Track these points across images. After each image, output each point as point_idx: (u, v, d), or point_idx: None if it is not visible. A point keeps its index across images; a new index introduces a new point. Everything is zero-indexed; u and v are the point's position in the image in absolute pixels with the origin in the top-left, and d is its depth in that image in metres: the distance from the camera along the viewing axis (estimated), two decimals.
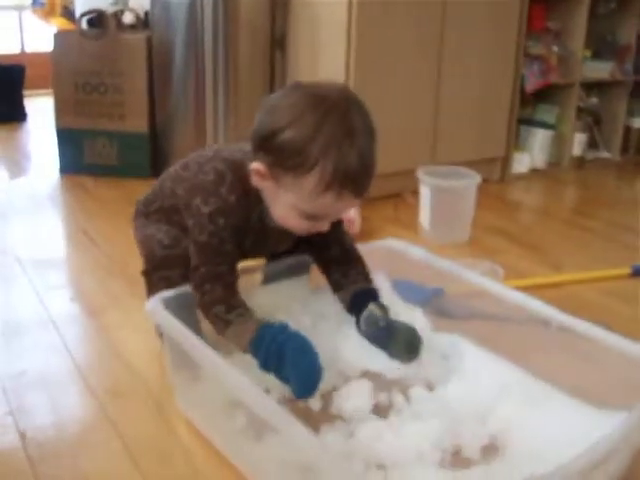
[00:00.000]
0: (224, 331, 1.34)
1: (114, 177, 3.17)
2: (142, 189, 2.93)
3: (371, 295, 1.53)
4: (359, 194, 1.29)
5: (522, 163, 3.41)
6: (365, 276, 1.56)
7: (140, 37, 3.09)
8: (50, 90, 3.41)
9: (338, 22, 2.67)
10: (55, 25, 5.19)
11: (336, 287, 1.55)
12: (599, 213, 2.98)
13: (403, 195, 2.85)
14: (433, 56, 2.88)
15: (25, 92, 4.63)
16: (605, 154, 3.85)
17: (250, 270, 1.59)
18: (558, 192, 3.37)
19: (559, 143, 3.59)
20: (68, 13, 5.00)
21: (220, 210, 1.36)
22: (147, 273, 1.61)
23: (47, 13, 5.06)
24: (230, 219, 1.37)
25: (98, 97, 3.14)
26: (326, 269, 1.58)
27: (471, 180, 2.48)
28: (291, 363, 1.26)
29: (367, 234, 2.50)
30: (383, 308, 1.50)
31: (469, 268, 2.22)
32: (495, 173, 3.29)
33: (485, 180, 3.08)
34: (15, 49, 5.46)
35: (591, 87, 3.74)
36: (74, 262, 2.39)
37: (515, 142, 3.37)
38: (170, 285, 1.49)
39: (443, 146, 2.99)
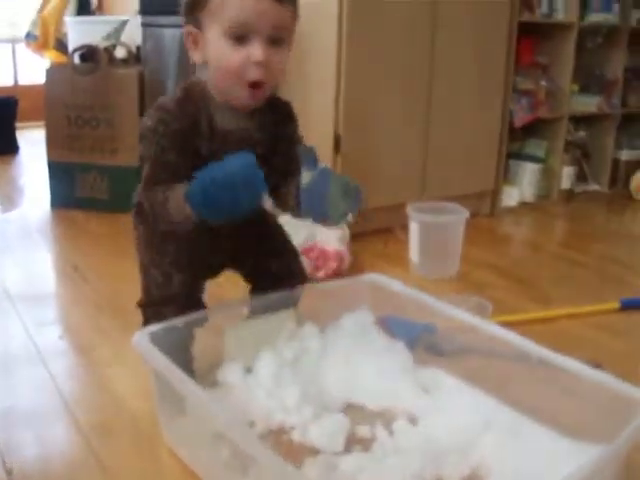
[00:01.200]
0: (167, 211, 1.33)
1: (105, 211, 3.18)
2: (132, 223, 2.97)
3: None
4: None
5: (511, 197, 3.43)
6: None
7: (132, 72, 3.12)
8: (42, 122, 3.43)
9: (326, 58, 2.69)
10: (48, 58, 5.22)
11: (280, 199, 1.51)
12: (588, 246, 2.99)
13: (393, 230, 2.86)
14: (422, 90, 2.90)
15: (18, 124, 4.66)
16: (594, 186, 3.88)
17: (236, 305, 1.61)
18: (547, 225, 3.39)
19: (548, 176, 3.62)
20: (61, 46, 5.02)
21: (161, 119, 1.36)
22: (142, 306, 1.61)
23: (40, 46, 5.07)
24: (172, 125, 1.36)
25: (90, 131, 3.16)
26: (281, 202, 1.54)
27: (459, 216, 2.49)
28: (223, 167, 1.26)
29: (357, 270, 2.50)
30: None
31: (457, 303, 2.24)
32: (485, 207, 3.31)
33: (475, 214, 3.10)
34: (8, 81, 5.49)
35: (579, 120, 3.78)
36: (64, 297, 2.39)
37: (504, 176, 3.39)
38: (162, 318, 1.50)
39: (433, 180, 3.01)
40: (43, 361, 1.87)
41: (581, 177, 3.82)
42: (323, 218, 1.36)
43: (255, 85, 1.35)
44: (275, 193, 1.47)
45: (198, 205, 1.26)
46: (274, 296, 1.62)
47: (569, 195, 3.67)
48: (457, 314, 1.66)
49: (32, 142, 4.61)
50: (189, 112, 1.39)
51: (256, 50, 1.30)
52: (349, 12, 2.62)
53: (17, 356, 1.91)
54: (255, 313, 1.63)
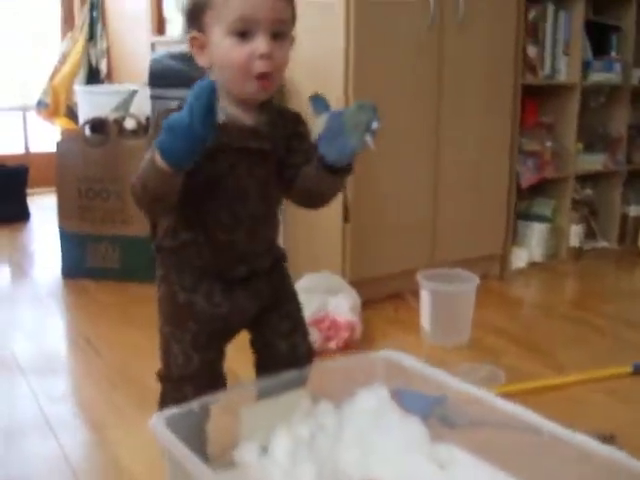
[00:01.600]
0: (145, 178, 1.30)
1: (116, 280, 3.20)
2: (143, 292, 3.00)
3: None
4: None
5: (521, 258, 3.44)
6: None
7: (142, 143, 3.13)
8: (53, 188, 3.47)
9: None
10: (59, 125, 5.29)
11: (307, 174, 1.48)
12: (599, 307, 2.99)
13: (404, 296, 2.87)
14: (430, 155, 2.93)
15: (29, 190, 4.70)
16: (603, 243, 3.90)
17: (250, 385, 1.60)
18: (557, 286, 3.39)
19: (556, 235, 3.63)
20: (72, 113, 5.10)
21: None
22: (161, 379, 1.60)
23: (51, 113, 5.15)
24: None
25: (101, 202, 3.19)
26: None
27: (470, 284, 2.50)
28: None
29: (369, 338, 2.52)
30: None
31: (470, 372, 2.24)
32: (494, 269, 3.32)
33: (484, 276, 3.11)
34: (19, 149, 5.56)
35: (585, 179, 3.81)
36: (76, 371, 2.40)
37: (513, 237, 3.40)
38: (181, 398, 1.48)
39: (442, 245, 3.02)
40: (55, 436, 1.89)
41: (589, 234, 3.83)
42: (344, 149, 1.35)
43: (263, 76, 1.37)
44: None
45: (161, 142, 1.22)
46: (286, 376, 1.61)
47: (578, 253, 3.67)
48: (469, 388, 1.66)
49: (43, 208, 4.66)
50: None
51: (261, 44, 1.33)
52: (355, 75, 2.67)
53: (29, 430, 1.92)
54: (266, 393, 1.62)
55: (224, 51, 1.35)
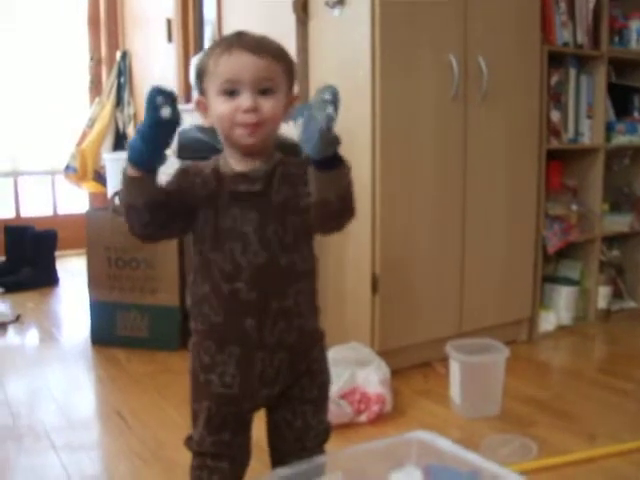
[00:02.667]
0: (125, 191, 1.41)
1: (145, 349, 3.22)
2: (172, 361, 3.02)
3: None
4: (249, 48, 1.42)
5: (549, 321, 3.43)
6: None
7: None
8: (82, 250, 3.51)
9: (361, 190, 2.74)
10: (87, 189, 5.38)
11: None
12: (629, 372, 2.96)
13: (433, 365, 2.87)
14: (456, 223, 2.95)
15: (57, 253, 4.76)
16: (631, 304, 3.88)
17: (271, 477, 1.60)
18: (586, 349, 3.37)
19: (584, 298, 3.62)
20: (99, 177, 5.18)
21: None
22: (188, 448, 1.61)
23: (79, 178, 5.24)
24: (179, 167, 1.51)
25: (130, 272, 3.24)
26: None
27: (500, 354, 2.50)
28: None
29: (399, 410, 2.51)
30: None
31: (501, 444, 2.23)
32: (522, 334, 3.31)
33: (512, 341, 3.11)
34: (48, 211, 5.64)
35: (612, 240, 3.81)
36: (108, 447, 2.39)
37: (540, 301, 3.39)
38: (203, 469, 1.54)
39: (470, 312, 3.02)
40: None
41: (617, 295, 3.81)
42: (316, 133, 1.31)
43: (247, 125, 1.43)
44: None
45: (132, 153, 1.37)
46: (299, 467, 1.59)
47: (606, 315, 3.66)
48: (502, 471, 1.65)
49: (72, 272, 4.72)
50: (199, 167, 1.50)
51: (245, 100, 1.41)
52: (382, 147, 2.71)
53: None
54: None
55: (216, 108, 1.44)
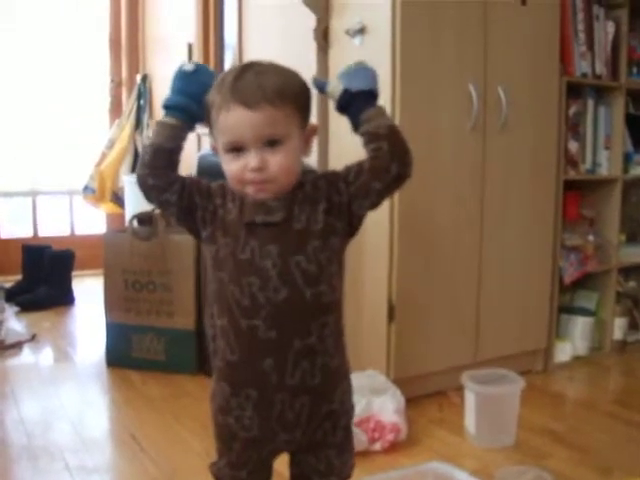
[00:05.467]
0: (154, 133, 1.49)
1: (161, 372, 3.23)
2: (188, 386, 3.03)
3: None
4: (245, 103, 1.33)
5: (564, 352, 3.41)
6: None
7: (188, 238, 3.17)
8: (98, 271, 3.53)
9: (380, 226, 2.75)
10: (105, 210, 5.42)
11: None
12: None
13: (448, 393, 2.86)
14: (473, 252, 2.96)
15: (73, 273, 4.79)
16: None
17: None
18: (602, 381, 3.35)
19: (600, 328, 3.61)
20: (117, 199, 5.22)
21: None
22: (212, 472, 1.57)
23: (98, 199, 5.28)
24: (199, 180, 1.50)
25: (147, 295, 3.25)
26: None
27: (515, 384, 2.49)
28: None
29: (414, 439, 2.51)
30: None
31: (516, 476, 2.22)
32: (538, 364, 3.30)
33: (528, 371, 3.10)
34: (65, 231, 5.68)
35: (629, 271, 3.79)
36: (122, 470, 2.39)
37: (556, 331, 3.38)
38: None
39: (486, 342, 3.02)
40: None
41: (633, 326, 3.79)
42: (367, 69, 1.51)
43: (257, 183, 1.37)
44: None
45: (169, 103, 1.47)
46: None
47: (622, 346, 3.64)
48: None
49: (88, 292, 4.74)
50: (225, 188, 1.46)
51: (252, 159, 1.35)
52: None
53: None
54: None
55: (224, 164, 1.41)
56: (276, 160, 1.35)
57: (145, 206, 3.55)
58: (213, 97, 1.38)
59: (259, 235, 1.39)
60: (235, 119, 1.33)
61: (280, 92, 1.35)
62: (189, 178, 1.47)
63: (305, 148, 1.44)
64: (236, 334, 1.39)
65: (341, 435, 1.50)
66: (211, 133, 1.44)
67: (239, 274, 1.38)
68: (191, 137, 4.14)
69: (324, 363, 1.41)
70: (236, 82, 1.34)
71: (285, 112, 1.36)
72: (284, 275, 1.37)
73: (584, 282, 3.60)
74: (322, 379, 1.41)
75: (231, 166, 1.37)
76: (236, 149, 1.35)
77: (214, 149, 1.46)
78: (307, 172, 1.48)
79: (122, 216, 5.06)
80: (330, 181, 1.44)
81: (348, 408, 1.53)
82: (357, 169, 1.42)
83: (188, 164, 3.96)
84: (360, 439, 2.34)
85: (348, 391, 1.53)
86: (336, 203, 1.42)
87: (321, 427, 1.45)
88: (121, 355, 3.33)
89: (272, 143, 1.35)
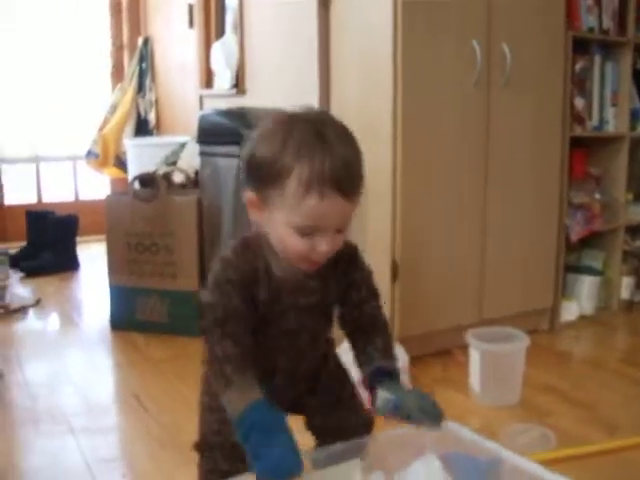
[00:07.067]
0: (223, 390, 1.29)
1: (164, 334, 3.22)
2: (191, 347, 3.03)
3: (383, 375, 1.47)
4: (343, 193, 1.25)
5: (570, 311, 3.39)
6: (382, 352, 1.49)
7: (190, 199, 3.20)
8: (102, 236, 3.51)
9: (382, 178, 2.74)
10: (108, 174, 5.39)
11: (357, 363, 1.51)
12: None
13: (452, 352, 2.84)
14: (478, 209, 2.92)
15: (78, 239, 4.77)
16: None
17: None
18: (608, 340, 3.33)
19: (607, 288, 3.58)
20: (120, 163, 5.19)
21: (223, 271, 1.35)
22: (198, 449, 1.61)
23: (101, 163, 5.25)
24: (234, 276, 1.35)
25: (150, 257, 3.23)
26: (352, 340, 1.54)
27: (520, 342, 2.47)
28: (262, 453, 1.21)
29: None
30: (392, 387, 1.44)
31: (520, 433, 2.21)
32: (544, 323, 3.28)
33: (534, 330, 3.08)
34: (69, 197, 5.66)
35: (636, 230, 3.75)
36: (125, 431, 2.40)
37: (562, 290, 3.36)
38: (215, 465, 1.52)
39: (491, 300, 2.99)
40: None
41: None
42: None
43: (315, 263, 1.36)
44: (356, 350, 1.50)
45: (239, 433, 1.24)
46: (339, 447, 1.60)
47: (629, 305, 3.62)
48: (523, 462, 1.62)
49: (92, 257, 4.73)
50: (248, 260, 1.39)
51: (322, 245, 1.30)
52: (403, 133, 2.68)
53: None
54: (319, 465, 1.61)
55: (283, 235, 1.32)
56: (340, 240, 1.33)
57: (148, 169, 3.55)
58: (288, 163, 1.24)
59: (299, 312, 1.44)
60: (329, 208, 1.25)
61: (363, 180, 1.31)
62: (239, 312, 1.36)
63: None
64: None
65: (347, 392, 1.63)
66: (258, 190, 1.31)
67: (272, 332, 1.43)
68: (192, 97, 4.14)
69: (318, 355, 1.56)
70: (328, 164, 1.23)
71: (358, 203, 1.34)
72: (313, 339, 1.49)
73: (591, 241, 3.56)
74: (316, 365, 1.56)
75: (297, 244, 1.31)
76: (306, 233, 1.29)
77: (252, 203, 1.34)
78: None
79: (126, 180, 5.03)
80: (350, 263, 1.49)
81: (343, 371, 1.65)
82: (361, 295, 1.50)
83: (189, 123, 3.96)
84: (362, 397, 2.32)
85: (336, 358, 1.65)
86: (343, 283, 1.48)
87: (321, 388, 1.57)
88: (125, 318, 3.32)
89: (341, 229, 1.33)
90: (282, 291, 1.41)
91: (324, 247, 1.30)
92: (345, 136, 1.30)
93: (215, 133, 3.05)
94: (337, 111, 2.98)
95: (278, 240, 1.34)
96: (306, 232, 1.28)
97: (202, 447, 1.58)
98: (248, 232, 1.46)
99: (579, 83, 3.35)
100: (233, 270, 1.36)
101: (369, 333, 1.51)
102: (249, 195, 1.34)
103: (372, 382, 1.45)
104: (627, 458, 2.11)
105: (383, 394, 1.43)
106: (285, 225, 1.29)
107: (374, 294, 1.53)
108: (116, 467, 2.10)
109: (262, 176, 1.28)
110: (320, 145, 1.24)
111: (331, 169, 1.22)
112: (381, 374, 1.46)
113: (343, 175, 1.24)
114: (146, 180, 3.34)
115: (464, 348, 2.63)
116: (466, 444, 1.72)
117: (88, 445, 2.22)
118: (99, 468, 2.08)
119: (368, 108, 2.79)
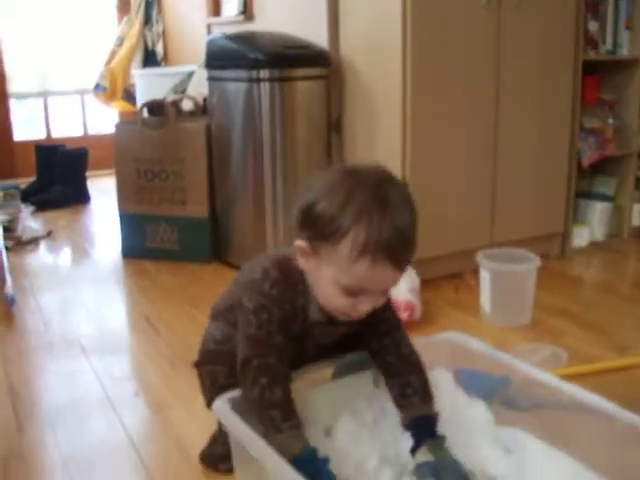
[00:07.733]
0: (272, 436, 1.33)
1: (175, 261, 3.23)
2: (202, 274, 3.04)
3: (425, 427, 1.49)
4: (395, 263, 1.27)
5: (582, 237, 3.38)
6: (422, 394, 1.52)
7: (199, 125, 3.17)
8: (112, 170, 3.51)
9: (392, 105, 2.71)
10: (116, 108, 5.35)
11: (396, 404, 1.53)
12: None
13: (463, 276, 2.84)
14: (488, 132, 2.89)
15: (88, 173, 4.77)
16: None
17: (316, 368, 1.60)
18: (619, 266, 3.32)
19: (618, 214, 3.56)
20: (129, 96, 5.15)
21: (263, 306, 1.38)
22: (197, 365, 1.64)
23: (109, 97, 5.21)
24: (274, 312, 1.39)
25: (159, 184, 3.22)
26: (385, 376, 1.56)
27: (531, 264, 2.46)
28: None
29: (429, 320, 2.50)
30: (434, 448, 1.46)
31: (531, 352, 2.21)
32: (555, 248, 3.27)
33: (545, 255, 3.06)
34: (78, 132, 5.64)
35: None
36: (137, 352, 2.42)
37: (574, 216, 3.34)
38: (214, 380, 1.56)
39: (502, 224, 2.98)
40: (117, 416, 1.92)
41: None
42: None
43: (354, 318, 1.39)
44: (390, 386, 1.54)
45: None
46: (352, 357, 1.61)
47: None
48: (533, 371, 1.63)
49: (102, 191, 4.74)
50: (288, 298, 1.42)
51: (365, 306, 1.34)
52: (412, 59, 2.64)
53: (92, 410, 1.97)
54: (336, 375, 1.62)
55: (327, 290, 1.35)
56: (379, 303, 1.38)
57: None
58: (346, 225, 1.25)
59: (315, 347, 1.55)
60: (379, 274, 1.28)
61: (415, 249, 1.32)
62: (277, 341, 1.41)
63: None
64: None
65: None
66: (310, 240, 1.32)
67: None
68: (200, 27, 4.08)
69: None
70: (385, 233, 1.25)
71: None
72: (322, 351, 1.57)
73: (603, 168, 3.53)
74: None
75: (339, 301, 1.34)
76: (352, 293, 1.32)
77: (302, 251, 1.35)
78: None
79: (134, 113, 5.00)
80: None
81: None
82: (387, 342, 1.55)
83: (197, 53, 3.90)
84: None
85: None
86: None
87: None
88: (135, 246, 3.33)
89: (385, 292, 1.38)
90: (312, 331, 1.48)
91: (366, 307, 1.34)
92: (405, 200, 1.31)
93: (223, 57, 3.01)
94: (346, 38, 2.95)
95: (321, 291, 1.37)
96: (351, 292, 1.31)
97: (203, 360, 1.62)
98: (287, 251, 1.46)
99: (593, 6, 3.29)
100: (274, 307, 1.40)
101: (402, 372, 1.53)
102: (300, 243, 1.35)
103: (415, 433, 1.48)
104: (637, 376, 2.11)
105: (424, 456, 1.45)
106: (331, 281, 1.32)
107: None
108: (129, 385, 2.13)
109: (318, 229, 1.30)
110: (380, 212, 1.25)
111: (387, 239, 1.24)
112: (423, 424, 1.49)
113: (398, 245, 1.26)
114: (154, 108, 3.32)
115: (475, 272, 2.63)
116: (478, 359, 1.74)
117: (101, 366, 2.25)
118: (112, 386, 2.10)
119: (377, 33, 2.74)
